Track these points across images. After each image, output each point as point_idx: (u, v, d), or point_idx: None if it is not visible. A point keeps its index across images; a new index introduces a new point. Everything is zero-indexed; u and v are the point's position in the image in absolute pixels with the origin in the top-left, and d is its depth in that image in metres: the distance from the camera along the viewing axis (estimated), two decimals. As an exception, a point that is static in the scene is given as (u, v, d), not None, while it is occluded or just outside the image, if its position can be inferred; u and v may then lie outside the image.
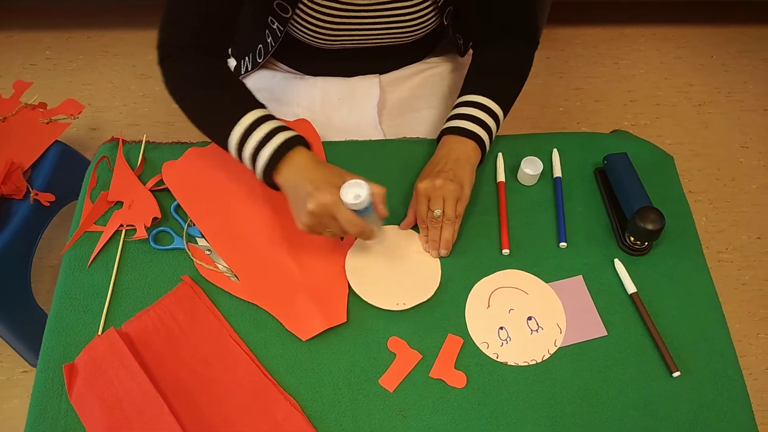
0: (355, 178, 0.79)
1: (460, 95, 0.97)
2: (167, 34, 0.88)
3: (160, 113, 1.94)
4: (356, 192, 0.77)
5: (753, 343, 1.56)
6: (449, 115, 0.96)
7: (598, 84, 2.05)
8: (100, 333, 0.84)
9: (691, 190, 0.98)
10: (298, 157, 0.82)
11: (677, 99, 2.02)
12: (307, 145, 0.84)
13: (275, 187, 0.85)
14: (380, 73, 1.11)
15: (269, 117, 0.85)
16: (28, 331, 1.38)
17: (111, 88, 2.00)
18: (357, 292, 0.87)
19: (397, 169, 0.98)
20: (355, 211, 0.78)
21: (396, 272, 0.89)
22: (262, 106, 0.87)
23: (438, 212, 0.86)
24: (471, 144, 0.91)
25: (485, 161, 0.98)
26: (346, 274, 0.89)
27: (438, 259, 0.90)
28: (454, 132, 0.92)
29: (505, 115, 0.96)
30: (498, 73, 0.98)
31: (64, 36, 2.12)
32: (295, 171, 0.81)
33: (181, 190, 0.95)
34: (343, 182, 0.78)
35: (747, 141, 1.93)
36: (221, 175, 0.96)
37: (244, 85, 0.89)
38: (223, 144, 0.86)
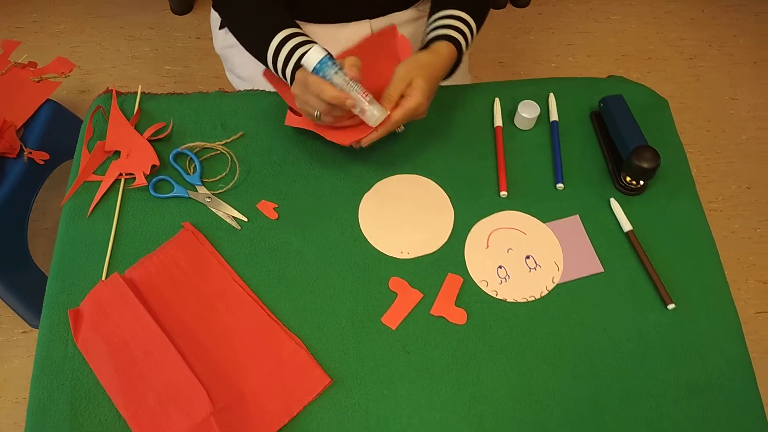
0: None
1: (443, 6, 0.94)
2: None
3: (151, 75, 1.92)
4: (309, 56, 0.82)
5: (742, 288, 1.59)
6: (440, 23, 0.93)
7: (590, 39, 2.04)
8: (104, 279, 0.84)
9: (682, 142, 1.00)
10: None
11: (669, 53, 2.02)
12: None
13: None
14: (370, 18, 1.10)
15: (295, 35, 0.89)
16: (27, 291, 1.38)
17: (100, 50, 1.97)
18: (364, 234, 0.88)
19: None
20: (322, 76, 0.82)
21: (407, 221, 0.90)
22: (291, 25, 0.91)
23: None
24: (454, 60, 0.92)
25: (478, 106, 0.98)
26: (359, 214, 0.90)
27: (452, 216, 0.90)
28: (454, 43, 0.91)
29: (477, 31, 0.97)
30: None
31: (50, -2, 2.08)
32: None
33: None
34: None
35: (737, 93, 1.94)
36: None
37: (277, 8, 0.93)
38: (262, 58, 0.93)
